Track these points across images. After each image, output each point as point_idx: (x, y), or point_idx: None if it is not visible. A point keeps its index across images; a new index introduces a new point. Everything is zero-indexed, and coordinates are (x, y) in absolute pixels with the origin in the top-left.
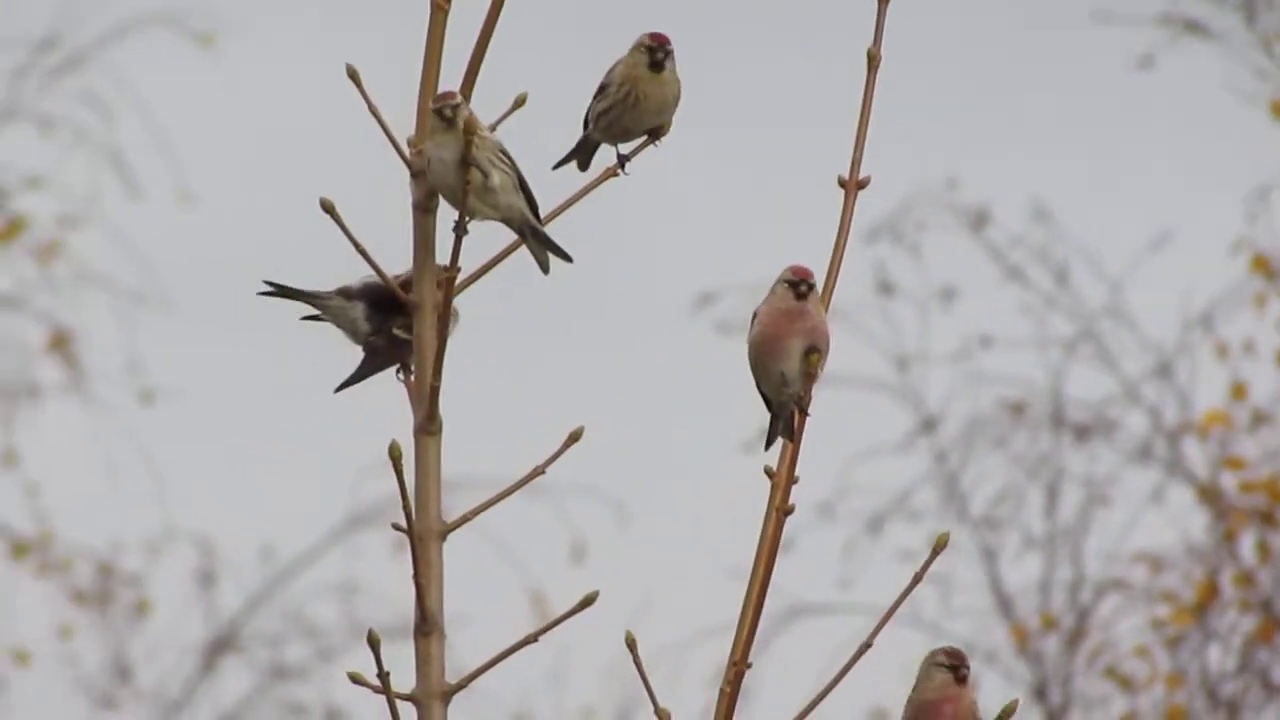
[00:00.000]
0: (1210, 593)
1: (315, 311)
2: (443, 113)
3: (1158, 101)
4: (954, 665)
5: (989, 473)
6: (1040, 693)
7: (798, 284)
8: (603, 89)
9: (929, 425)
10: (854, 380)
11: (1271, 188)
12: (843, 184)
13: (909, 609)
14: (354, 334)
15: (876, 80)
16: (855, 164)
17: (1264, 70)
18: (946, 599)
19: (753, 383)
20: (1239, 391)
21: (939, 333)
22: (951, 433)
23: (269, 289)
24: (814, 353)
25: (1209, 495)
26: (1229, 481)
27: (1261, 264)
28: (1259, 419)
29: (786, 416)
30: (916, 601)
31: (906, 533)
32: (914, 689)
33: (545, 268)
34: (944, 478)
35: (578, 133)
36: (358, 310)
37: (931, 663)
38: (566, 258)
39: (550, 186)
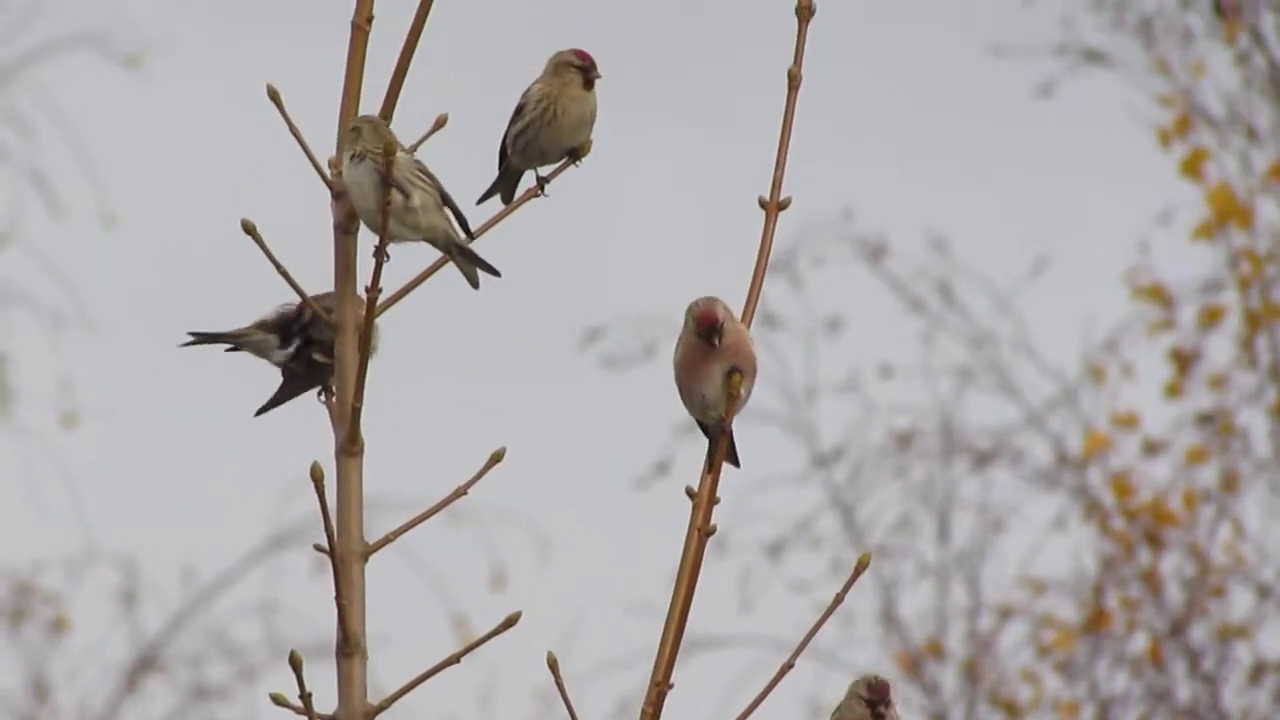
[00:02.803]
0: (1099, 617)
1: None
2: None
3: (1059, 130)
4: (872, 701)
5: (886, 502)
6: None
7: (706, 336)
8: (519, 110)
9: (824, 460)
10: (744, 413)
11: (1171, 212)
12: (763, 205)
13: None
14: (275, 362)
15: (797, 100)
16: (776, 185)
17: (1163, 96)
18: (842, 628)
19: (681, 405)
20: (1130, 420)
21: (825, 364)
22: (847, 464)
23: (191, 340)
24: (735, 373)
25: (1097, 517)
26: (1117, 506)
27: (1156, 293)
28: (1151, 447)
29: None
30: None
31: (803, 562)
32: (837, 710)
33: (475, 283)
34: (840, 509)
35: (500, 152)
36: (277, 341)
37: (854, 692)
38: (494, 273)
39: (470, 212)
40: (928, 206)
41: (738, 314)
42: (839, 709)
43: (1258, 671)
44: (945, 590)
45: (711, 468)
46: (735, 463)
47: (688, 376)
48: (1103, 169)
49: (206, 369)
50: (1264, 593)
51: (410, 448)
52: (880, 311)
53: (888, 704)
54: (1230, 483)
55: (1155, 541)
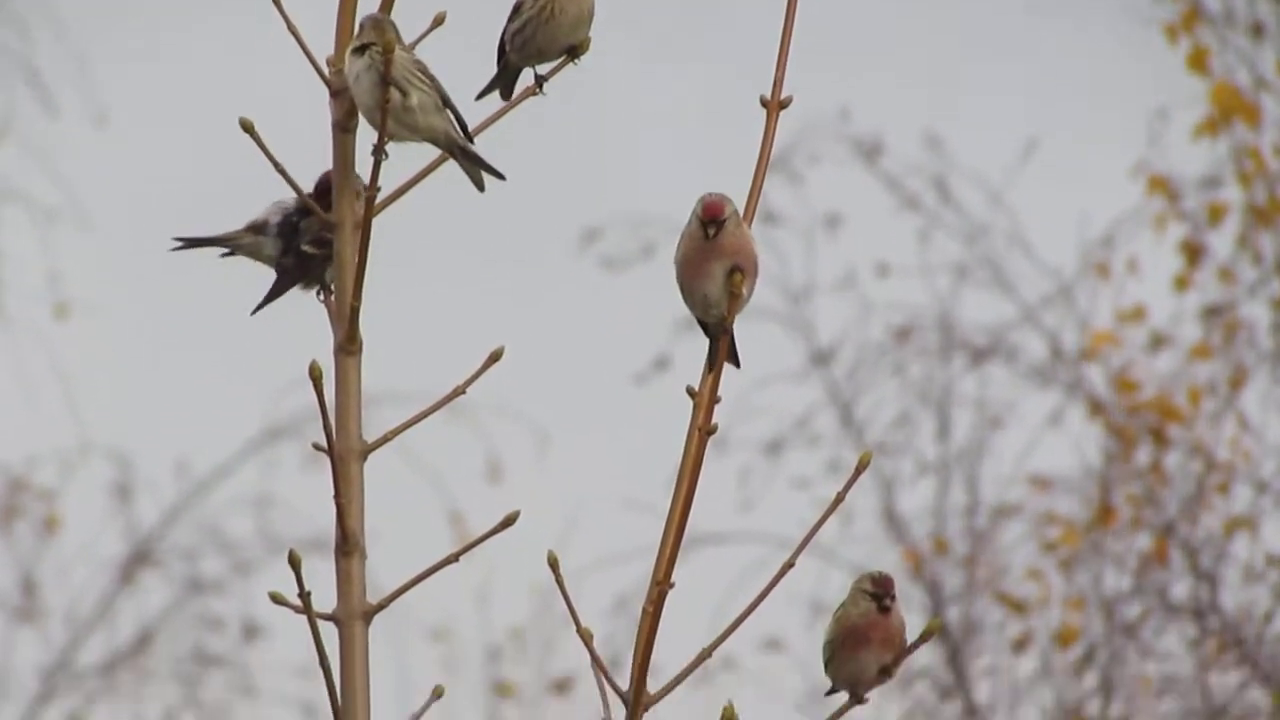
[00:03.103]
0: (1106, 514)
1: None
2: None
3: (1055, 26)
4: (877, 595)
5: (884, 400)
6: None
7: (706, 225)
8: (517, 7)
9: (822, 358)
10: (742, 311)
11: (1170, 109)
12: (764, 103)
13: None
14: (268, 263)
15: None
16: (777, 83)
17: None
18: (842, 525)
19: (682, 303)
20: (1137, 313)
21: (824, 261)
22: (845, 361)
23: (179, 244)
24: (737, 272)
25: (1100, 414)
26: (1121, 402)
27: (1160, 185)
28: (1158, 341)
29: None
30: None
31: (802, 460)
32: (841, 606)
33: (480, 185)
34: (839, 406)
35: (498, 49)
36: (270, 245)
37: (859, 588)
38: (499, 175)
39: (469, 109)
40: (924, 106)
41: (741, 213)
42: (843, 605)
43: (1268, 563)
44: (945, 487)
45: (712, 367)
46: (735, 363)
47: (689, 274)
48: (1099, 66)
49: (204, 266)
50: (1262, 488)
51: (409, 345)
52: (876, 210)
53: (892, 597)
54: (1238, 380)
55: (1159, 437)
